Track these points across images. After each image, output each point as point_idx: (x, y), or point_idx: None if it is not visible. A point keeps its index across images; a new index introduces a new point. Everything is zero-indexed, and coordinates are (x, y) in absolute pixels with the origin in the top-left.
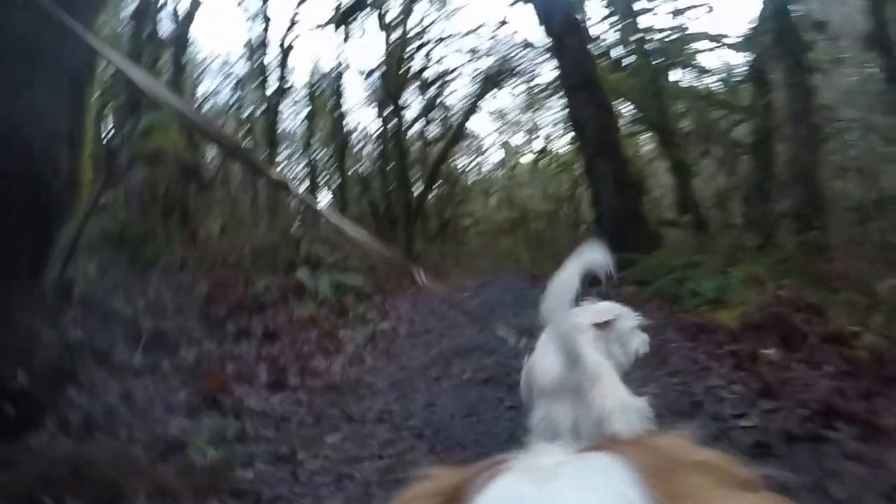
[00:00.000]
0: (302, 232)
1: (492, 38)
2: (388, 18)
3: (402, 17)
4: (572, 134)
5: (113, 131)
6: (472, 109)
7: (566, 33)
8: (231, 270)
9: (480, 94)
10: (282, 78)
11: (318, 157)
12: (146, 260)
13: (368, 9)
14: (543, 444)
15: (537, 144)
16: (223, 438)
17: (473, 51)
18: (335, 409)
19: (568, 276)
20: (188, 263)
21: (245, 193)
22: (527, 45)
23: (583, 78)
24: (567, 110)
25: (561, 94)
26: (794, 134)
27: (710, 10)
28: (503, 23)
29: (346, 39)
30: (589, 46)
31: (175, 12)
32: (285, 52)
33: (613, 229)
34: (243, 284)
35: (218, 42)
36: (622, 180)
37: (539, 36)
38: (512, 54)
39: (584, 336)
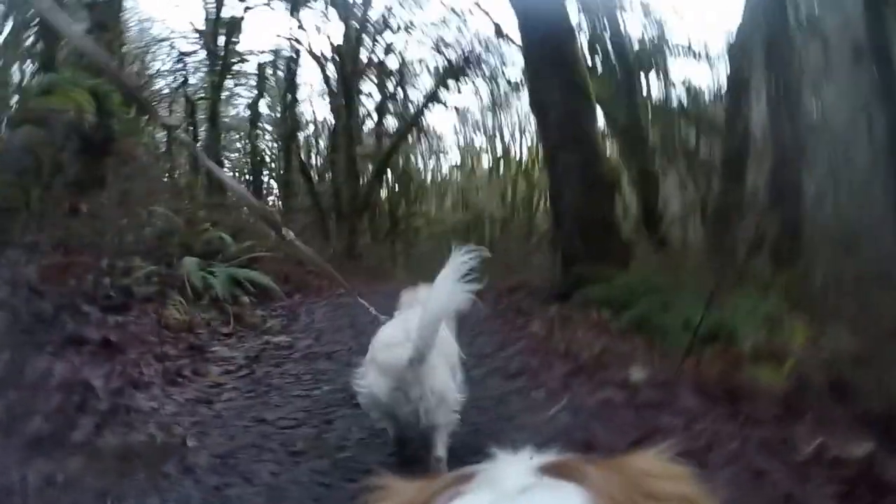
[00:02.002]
0: (205, 214)
1: (458, 26)
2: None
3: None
4: (532, 138)
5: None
6: (430, 99)
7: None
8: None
9: (440, 83)
10: (225, 55)
11: (265, 144)
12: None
13: None
14: (507, 456)
15: (497, 148)
16: None
17: (438, 43)
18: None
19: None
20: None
21: (155, 169)
22: (498, 32)
23: (551, 51)
24: (530, 94)
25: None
26: (775, 152)
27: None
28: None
29: (293, 15)
30: (562, 19)
31: None
32: (231, 26)
33: (576, 236)
34: (100, 272)
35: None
36: (591, 177)
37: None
38: (478, 44)
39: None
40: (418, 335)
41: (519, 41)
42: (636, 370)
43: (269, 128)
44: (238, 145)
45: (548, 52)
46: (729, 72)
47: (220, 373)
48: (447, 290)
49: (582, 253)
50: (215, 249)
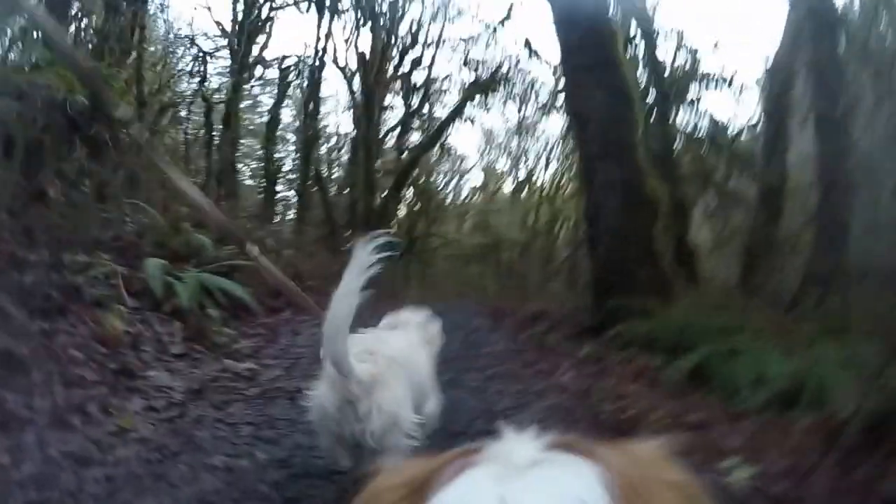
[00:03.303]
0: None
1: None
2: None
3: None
4: (556, 163)
5: None
6: (455, 114)
7: None
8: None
9: (466, 98)
10: (243, 55)
11: (284, 153)
12: None
13: None
14: (513, 433)
15: (521, 172)
16: None
17: (466, 58)
18: None
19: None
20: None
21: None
22: (527, 46)
23: (592, 51)
24: (568, 100)
25: (560, 82)
26: (821, 184)
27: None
28: (506, 19)
29: (321, 21)
30: (603, 16)
31: None
32: (253, 27)
33: (612, 262)
34: (49, 267)
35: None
36: (634, 195)
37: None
38: (507, 62)
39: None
40: (325, 341)
41: (556, 40)
42: (737, 464)
43: (290, 136)
44: (261, 153)
45: (588, 52)
46: (765, 101)
47: (142, 410)
48: (350, 287)
49: (618, 282)
50: (191, 253)
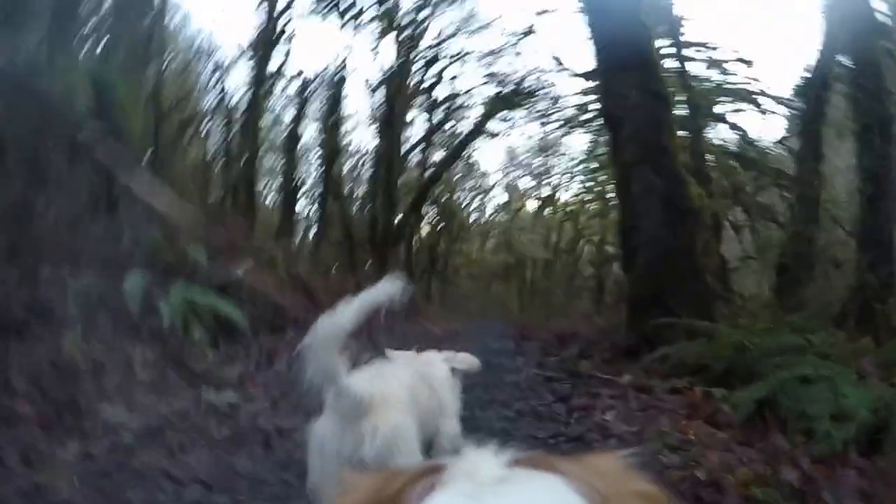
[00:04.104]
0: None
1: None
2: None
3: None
4: (582, 178)
5: None
6: (477, 131)
7: None
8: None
9: (490, 113)
10: (260, 65)
11: (305, 169)
12: None
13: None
14: (474, 451)
15: (545, 190)
16: None
17: (490, 72)
18: None
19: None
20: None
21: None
22: (556, 60)
23: (627, 51)
24: (602, 102)
25: (594, 84)
26: (863, 196)
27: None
28: (529, 32)
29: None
30: (638, 15)
31: None
32: (272, 37)
33: (652, 276)
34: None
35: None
36: (675, 203)
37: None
38: (531, 76)
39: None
40: (311, 356)
41: (588, 43)
42: None
43: (311, 152)
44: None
45: (623, 50)
46: (800, 113)
47: (76, 457)
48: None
49: (658, 299)
50: (185, 267)
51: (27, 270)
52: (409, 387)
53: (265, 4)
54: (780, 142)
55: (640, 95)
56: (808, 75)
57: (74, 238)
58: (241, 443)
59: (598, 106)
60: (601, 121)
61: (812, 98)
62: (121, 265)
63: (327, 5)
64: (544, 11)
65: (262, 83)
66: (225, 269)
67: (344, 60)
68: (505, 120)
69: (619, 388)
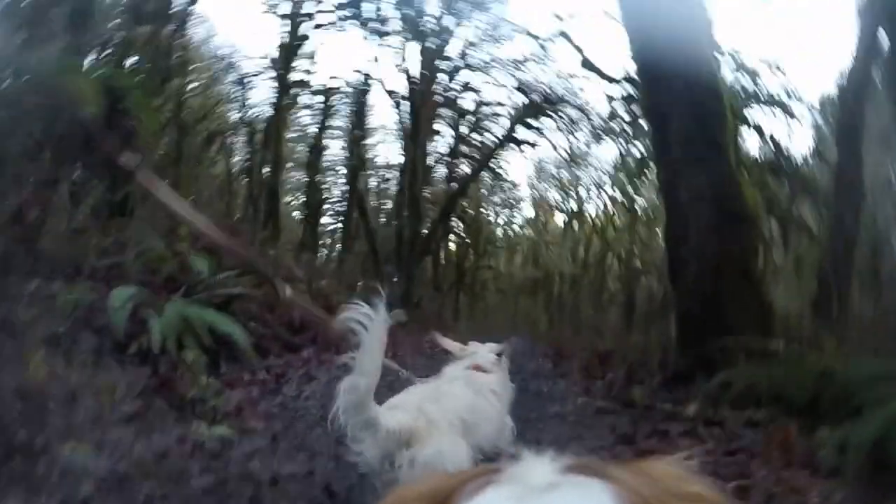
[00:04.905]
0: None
1: (540, 60)
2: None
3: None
4: (609, 191)
5: None
6: (504, 141)
7: None
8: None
9: (517, 121)
10: (282, 73)
11: (330, 183)
12: None
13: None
14: (531, 455)
15: (572, 203)
16: None
17: (517, 81)
18: None
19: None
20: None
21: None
22: (587, 64)
23: (672, 36)
24: (645, 97)
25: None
26: None
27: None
28: (560, 34)
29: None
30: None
31: None
32: (290, 44)
33: (703, 290)
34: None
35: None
36: (728, 206)
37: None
38: (558, 84)
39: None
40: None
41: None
42: None
43: (337, 166)
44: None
45: (665, 36)
46: (836, 122)
47: None
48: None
49: (711, 316)
50: (186, 280)
51: (8, 285)
52: (459, 408)
53: (288, 18)
54: (815, 153)
55: (687, 84)
56: (843, 81)
57: (76, 249)
58: (223, 496)
59: (627, 113)
60: (631, 129)
61: (847, 105)
62: (120, 279)
63: (350, 17)
64: (572, 16)
65: (285, 96)
66: (231, 279)
67: (368, 72)
68: (531, 128)
69: (687, 423)
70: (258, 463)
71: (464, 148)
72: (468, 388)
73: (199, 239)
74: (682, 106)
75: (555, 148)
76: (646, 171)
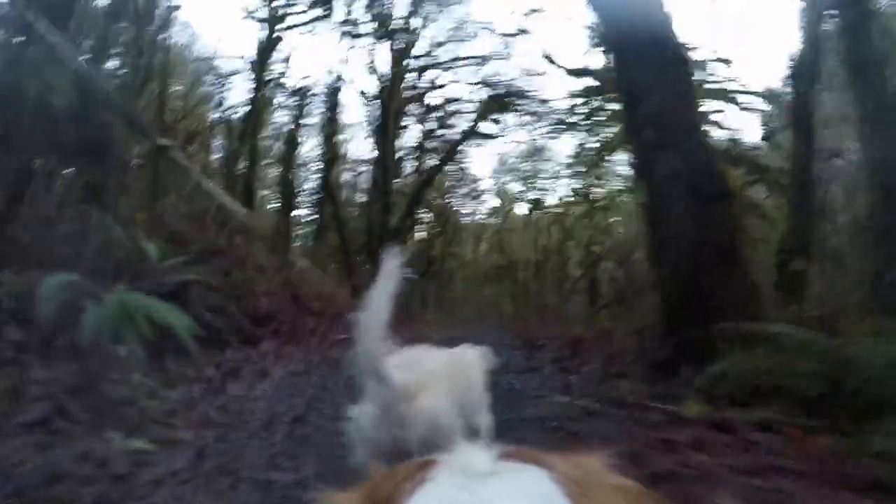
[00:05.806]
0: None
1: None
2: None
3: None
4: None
5: None
6: (468, 134)
7: None
8: None
9: (481, 117)
10: (258, 76)
11: (303, 176)
12: None
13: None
14: (467, 444)
15: (533, 194)
16: None
17: (480, 77)
18: None
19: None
20: None
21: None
22: (547, 59)
23: (643, 12)
24: (617, 78)
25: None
26: (872, 187)
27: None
28: (522, 32)
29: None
30: None
31: None
32: (267, 46)
33: (684, 274)
34: None
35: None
36: (705, 186)
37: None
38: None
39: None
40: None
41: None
42: None
43: (309, 161)
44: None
45: (636, 13)
46: (788, 108)
47: None
48: (382, 292)
49: (695, 300)
50: (137, 267)
51: None
52: (447, 375)
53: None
54: (766, 137)
55: (661, 68)
56: (793, 68)
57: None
58: None
59: (584, 109)
60: (588, 122)
61: (799, 92)
62: (60, 267)
63: (321, 18)
64: (533, 11)
65: (260, 95)
66: (184, 265)
67: (339, 72)
68: (496, 122)
69: (694, 428)
70: (164, 494)
71: (431, 144)
72: (454, 366)
73: (163, 227)
74: (654, 84)
75: (516, 142)
76: (602, 162)
